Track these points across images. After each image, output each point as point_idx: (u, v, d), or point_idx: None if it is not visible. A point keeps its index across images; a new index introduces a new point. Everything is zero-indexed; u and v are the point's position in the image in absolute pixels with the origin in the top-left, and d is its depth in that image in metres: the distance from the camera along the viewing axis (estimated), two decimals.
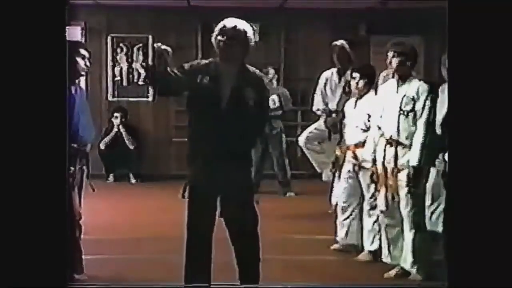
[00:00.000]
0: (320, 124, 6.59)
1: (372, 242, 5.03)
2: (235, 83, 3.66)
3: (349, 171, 5.18)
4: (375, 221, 4.98)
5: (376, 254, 4.99)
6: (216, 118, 3.62)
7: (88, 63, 4.38)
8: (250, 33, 3.71)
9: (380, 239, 4.95)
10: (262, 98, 3.76)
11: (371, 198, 4.98)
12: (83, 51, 4.35)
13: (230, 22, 3.69)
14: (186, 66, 3.75)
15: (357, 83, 5.07)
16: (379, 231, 4.96)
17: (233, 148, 3.64)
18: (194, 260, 3.81)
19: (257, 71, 3.82)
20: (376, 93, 5.07)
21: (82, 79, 9.25)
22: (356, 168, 5.09)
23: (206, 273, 3.84)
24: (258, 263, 3.84)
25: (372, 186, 4.89)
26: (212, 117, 3.63)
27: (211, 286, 3.84)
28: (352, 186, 5.19)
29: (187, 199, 3.77)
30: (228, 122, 3.61)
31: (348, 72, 5.66)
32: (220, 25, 3.70)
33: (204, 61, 3.80)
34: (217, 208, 3.79)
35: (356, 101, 5.15)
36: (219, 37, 3.66)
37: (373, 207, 4.95)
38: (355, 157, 5.05)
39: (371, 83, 5.09)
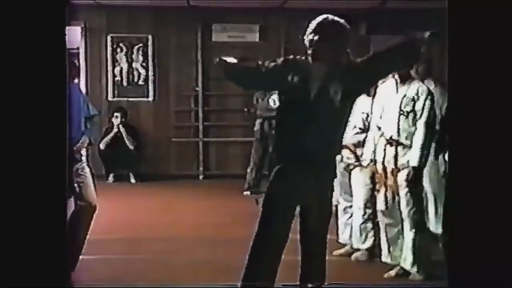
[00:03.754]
0: None
1: (365, 240, 5.08)
2: (324, 84, 3.42)
3: (343, 170, 5.19)
4: (367, 219, 5.04)
5: (372, 252, 5.04)
6: (303, 118, 3.41)
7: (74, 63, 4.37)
8: (343, 27, 3.49)
9: (374, 237, 5.03)
10: (350, 91, 3.49)
11: (365, 197, 5.03)
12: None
13: (319, 18, 3.51)
14: (273, 63, 3.51)
15: None
16: (372, 228, 5.03)
17: (317, 152, 3.44)
18: (263, 269, 3.59)
19: (350, 63, 3.53)
20: (367, 93, 5.14)
21: (82, 79, 9.37)
22: (351, 166, 5.09)
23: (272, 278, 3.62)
24: (325, 263, 3.74)
25: (368, 185, 4.93)
26: (298, 117, 3.41)
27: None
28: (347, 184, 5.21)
29: (263, 205, 3.53)
30: (315, 124, 3.41)
31: None
32: (311, 23, 3.49)
33: (298, 57, 3.53)
34: (295, 214, 3.60)
35: None
36: (309, 36, 3.44)
37: (368, 206, 5.02)
38: (355, 156, 5.05)
39: None
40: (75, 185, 4.36)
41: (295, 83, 3.42)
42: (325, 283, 3.76)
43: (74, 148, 4.34)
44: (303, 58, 3.48)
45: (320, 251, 3.72)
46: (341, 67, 3.45)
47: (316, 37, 3.40)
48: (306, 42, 3.45)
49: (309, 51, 3.42)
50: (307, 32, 3.46)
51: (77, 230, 4.37)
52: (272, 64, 3.51)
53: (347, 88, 3.41)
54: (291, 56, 3.56)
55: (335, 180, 3.66)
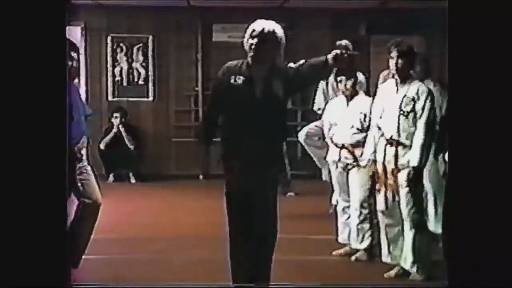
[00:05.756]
0: (321, 122, 6.58)
1: (362, 240, 5.08)
2: (267, 83, 3.74)
3: (341, 170, 5.19)
4: (363, 220, 5.05)
5: (371, 252, 5.05)
6: (250, 118, 3.72)
7: (75, 64, 4.38)
8: (279, 33, 3.79)
9: (371, 237, 5.04)
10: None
11: (362, 197, 5.04)
12: (72, 53, 4.33)
13: (259, 25, 3.78)
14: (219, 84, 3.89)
15: (345, 85, 5.10)
16: (369, 229, 5.04)
17: (266, 148, 3.75)
18: (239, 259, 3.86)
19: (284, 65, 3.87)
20: (367, 93, 5.14)
21: (82, 79, 9.37)
22: (349, 166, 5.09)
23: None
24: (271, 263, 3.89)
25: (365, 185, 4.93)
26: (246, 116, 3.73)
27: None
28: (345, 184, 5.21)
29: (226, 199, 3.89)
30: (262, 122, 3.71)
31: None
32: (250, 28, 3.79)
33: (236, 62, 3.86)
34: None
35: (347, 101, 5.15)
36: (250, 40, 3.76)
37: (364, 207, 5.03)
38: (353, 156, 5.05)
39: (356, 82, 5.13)
40: (79, 184, 4.39)
41: (238, 84, 3.74)
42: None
43: (76, 148, 4.36)
44: (242, 61, 3.82)
45: (266, 248, 3.86)
46: (279, 69, 3.79)
47: (256, 41, 3.73)
48: (246, 46, 3.78)
49: (250, 54, 3.75)
50: (247, 37, 3.79)
51: (83, 228, 4.40)
52: (212, 90, 4.06)
53: (285, 87, 3.75)
54: (229, 63, 3.88)
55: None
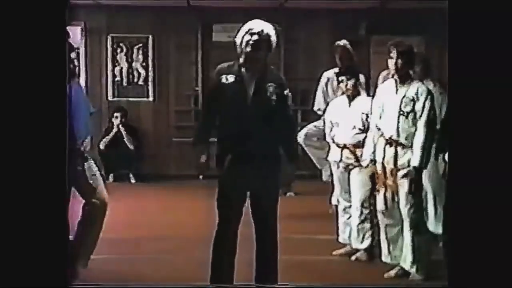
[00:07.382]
0: (320, 122, 6.59)
1: (363, 240, 5.09)
2: (258, 82, 3.80)
3: (343, 170, 5.19)
4: (364, 220, 5.06)
5: (371, 252, 5.05)
6: (241, 116, 3.78)
7: (76, 63, 4.39)
8: (273, 35, 3.84)
9: (372, 237, 5.05)
10: (283, 94, 3.88)
11: (363, 197, 5.04)
12: (72, 54, 4.33)
13: (258, 25, 3.81)
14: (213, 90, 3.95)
15: (346, 85, 5.10)
16: (370, 229, 5.04)
17: (260, 144, 3.78)
18: (222, 255, 3.91)
19: (275, 70, 4.02)
20: (368, 93, 5.20)
21: (82, 79, 9.36)
22: (351, 167, 5.09)
23: (231, 270, 3.93)
24: (277, 262, 3.95)
25: (367, 185, 4.93)
26: (238, 115, 3.79)
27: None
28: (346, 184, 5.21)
29: (217, 196, 3.91)
30: (253, 119, 3.77)
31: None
32: (246, 26, 3.82)
33: (227, 63, 3.92)
34: (245, 204, 3.92)
35: (349, 101, 5.15)
36: (246, 37, 3.78)
37: (365, 207, 5.04)
38: (355, 157, 5.05)
39: (358, 82, 5.14)
40: (90, 181, 4.39)
41: (230, 83, 3.80)
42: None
43: (83, 148, 4.36)
44: (233, 62, 3.87)
45: (272, 248, 3.94)
46: (273, 74, 3.92)
47: (255, 39, 3.76)
48: (242, 43, 3.80)
49: (246, 50, 3.78)
50: (242, 34, 3.80)
51: (91, 228, 4.41)
52: (206, 92, 4.16)
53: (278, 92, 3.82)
54: (221, 65, 3.94)
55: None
